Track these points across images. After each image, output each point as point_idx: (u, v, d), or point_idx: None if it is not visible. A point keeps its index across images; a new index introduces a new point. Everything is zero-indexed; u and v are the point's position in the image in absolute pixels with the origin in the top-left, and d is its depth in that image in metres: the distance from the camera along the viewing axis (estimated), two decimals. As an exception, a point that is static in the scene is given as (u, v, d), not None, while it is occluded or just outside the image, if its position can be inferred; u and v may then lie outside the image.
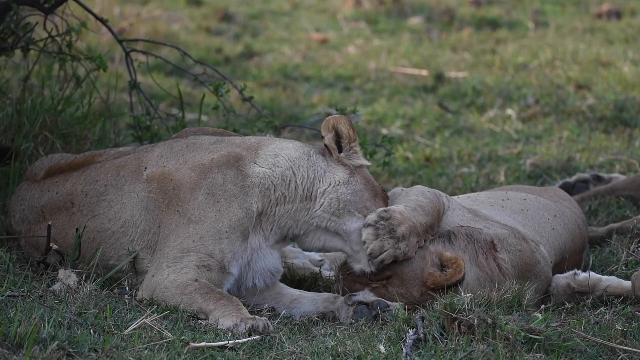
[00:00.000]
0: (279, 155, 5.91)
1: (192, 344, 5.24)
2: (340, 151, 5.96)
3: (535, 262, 6.03)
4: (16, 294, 5.67)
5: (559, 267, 6.33)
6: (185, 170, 5.86)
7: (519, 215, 6.34)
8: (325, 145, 5.95)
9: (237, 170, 5.86)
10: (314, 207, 5.88)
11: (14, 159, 6.71)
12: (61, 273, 5.83)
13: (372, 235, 5.79)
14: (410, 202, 5.94)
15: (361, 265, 5.87)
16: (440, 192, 6.13)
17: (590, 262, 6.74)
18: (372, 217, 5.82)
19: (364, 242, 5.80)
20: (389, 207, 5.86)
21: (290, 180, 5.88)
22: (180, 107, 7.88)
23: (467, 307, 5.39)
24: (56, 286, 5.78)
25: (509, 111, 10.75)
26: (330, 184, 5.88)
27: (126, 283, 5.89)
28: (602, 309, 5.98)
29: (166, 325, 5.47)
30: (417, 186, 6.22)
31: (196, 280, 5.66)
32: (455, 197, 6.41)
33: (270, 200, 5.86)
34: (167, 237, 5.79)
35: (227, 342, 5.28)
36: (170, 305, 5.66)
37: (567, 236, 6.48)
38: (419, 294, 5.83)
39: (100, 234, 5.94)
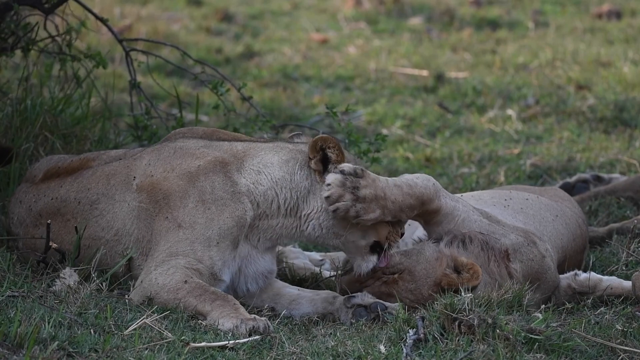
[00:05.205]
0: (261, 173, 5.86)
1: (193, 344, 5.23)
2: (325, 170, 5.89)
3: (546, 269, 6.01)
4: (16, 294, 5.67)
5: (560, 268, 6.33)
6: (173, 179, 5.83)
7: (520, 215, 6.33)
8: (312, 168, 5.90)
9: (225, 176, 5.83)
10: (301, 226, 5.88)
11: (13, 160, 6.71)
12: (64, 272, 5.83)
13: (338, 181, 5.77)
14: (399, 179, 5.92)
15: (360, 268, 5.87)
16: (435, 183, 6.05)
17: (591, 262, 6.74)
18: (347, 167, 5.80)
19: (328, 184, 5.77)
20: (367, 170, 5.84)
21: (272, 201, 5.85)
22: (179, 107, 7.87)
23: (467, 307, 5.39)
24: (56, 286, 5.78)
25: (509, 111, 10.75)
26: (313, 209, 5.85)
27: (130, 283, 5.88)
28: (602, 309, 5.98)
29: (166, 326, 5.46)
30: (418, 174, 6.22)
31: (185, 281, 5.65)
32: (458, 195, 6.38)
33: (253, 214, 5.84)
34: (157, 243, 5.78)
35: (227, 342, 5.28)
36: (168, 308, 5.65)
37: (568, 236, 6.48)
38: (429, 293, 5.81)
39: (95, 241, 5.93)
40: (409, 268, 5.86)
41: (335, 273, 6.34)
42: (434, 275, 5.82)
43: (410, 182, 5.90)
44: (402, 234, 5.94)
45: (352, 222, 5.79)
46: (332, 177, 5.78)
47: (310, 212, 5.85)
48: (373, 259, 5.84)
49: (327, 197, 5.77)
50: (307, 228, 5.86)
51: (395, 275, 5.86)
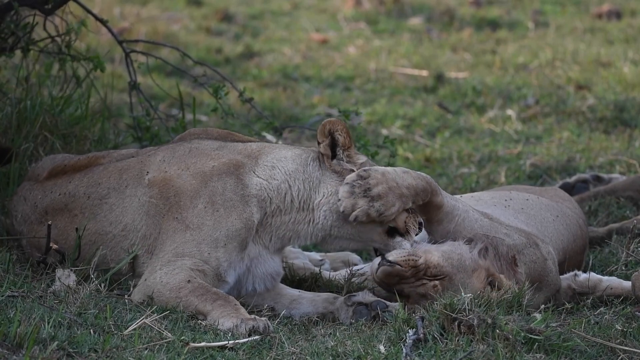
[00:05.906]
0: (275, 167, 5.91)
1: (192, 344, 5.24)
2: (334, 156, 5.94)
3: (548, 272, 6.00)
4: (16, 294, 5.67)
5: (560, 268, 6.33)
6: (186, 177, 5.86)
7: (521, 215, 6.33)
8: (320, 153, 5.94)
9: (237, 179, 5.86)
10: (314, 219, 5.89)
11: (13, 160, 6.72)
12: (59, 272, 5.83)
13: (346, 192, 5.80)
14: (404, 168, 5.95)
15: (394, 253, 5.81)
16: (434, 181, 6.07)
17: (590, 262, 6.74)
18: (350, 177, 5.83)
19: (339, 200, 5.82)
20: (371, 167, 5.87)
21: (286, 194, 5.88)
22: (181, 107, 7.88)
23: (467, 308, 5.39)
24: (56, 286, 5.78)
25: (509, 111, 10.75)
26: (324, 195, 5.88)
27: (131, 283, 5.89)
28: (602, 309, 5.98)
29: (166, 326, 5.47)
30: None
31: (189, 281, 5.66)
32: (458, 196, 6.38)
33: (266, 212, 5.86)
34: (164, 242, 5.79)
35: (227, 342, 5.28)
36: (168, 307, 5.65)
37: (569, 237, 6.48)
38: None
39: (101, 237, 5.94)
40: (449, 275, 5.81)
41: (348, 271, 6.33)
42: (471, 287, 5.76)
43: (417, 172, 5.94)
44: (421, 224, 5.94)
45: (377, 221, 5.80)
46: (340, 191, 5.82)
47: (322, 199, 5.87)
48: (401, 240, 5.84)
49: (343, 211, 5.80)
50: (320, 218, 5.87)
51: (437, 282, 5.80)
